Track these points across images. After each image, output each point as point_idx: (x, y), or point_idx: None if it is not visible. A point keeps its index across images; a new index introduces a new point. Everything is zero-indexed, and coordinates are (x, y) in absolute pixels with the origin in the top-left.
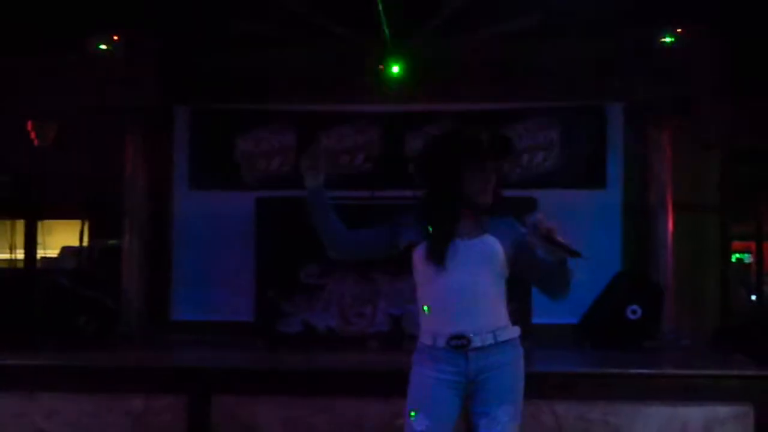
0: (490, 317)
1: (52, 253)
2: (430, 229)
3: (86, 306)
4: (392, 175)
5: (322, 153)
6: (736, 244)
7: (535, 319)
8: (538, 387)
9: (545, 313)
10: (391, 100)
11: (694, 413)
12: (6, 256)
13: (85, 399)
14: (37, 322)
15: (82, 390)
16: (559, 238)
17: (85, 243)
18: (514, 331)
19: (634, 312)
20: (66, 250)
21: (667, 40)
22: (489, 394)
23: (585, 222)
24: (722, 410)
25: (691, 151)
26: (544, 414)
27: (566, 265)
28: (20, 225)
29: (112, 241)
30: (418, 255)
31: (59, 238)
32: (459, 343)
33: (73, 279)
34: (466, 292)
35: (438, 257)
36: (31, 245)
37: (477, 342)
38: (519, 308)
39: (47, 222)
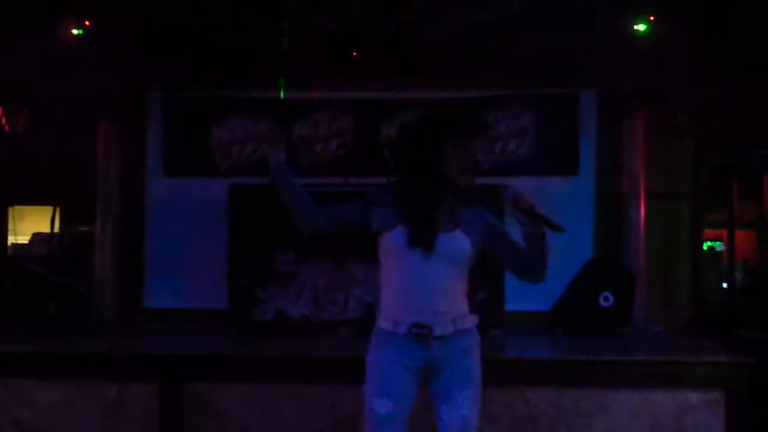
0: (452, 307)
1: (23, 239)
2: (412, 215)
3: (58, 293)
4: (366, 161)
5: (280, 134)
6: (707, 232)
7: (508, 307)
8: (511, 374)
9: (517, 300)
10: (365, 88)
11: (666, 400)
12: None
13: (58, 386)
14: (8, 309)
15: (55, 377)
16: (539, 211)
17: (57, 229)
18: (473, 320)
19: (606, 299)
20: (37, 237)
21: (641, 28)
22: (450, 379)
23: (557, 209)
24: (693, 397)
25: (664, 139)
26: (516, 400)
27: (545, 241)
28: None
29: (83, 228)
30: (391, 239)
31: (30, 224)
32: (421, 332)
33: (45, 266)
34: (433, 283)
35: (426, 244)
36: (1, 231)
37: (438, 331)
38: (491, 296)
39: (18, 208)
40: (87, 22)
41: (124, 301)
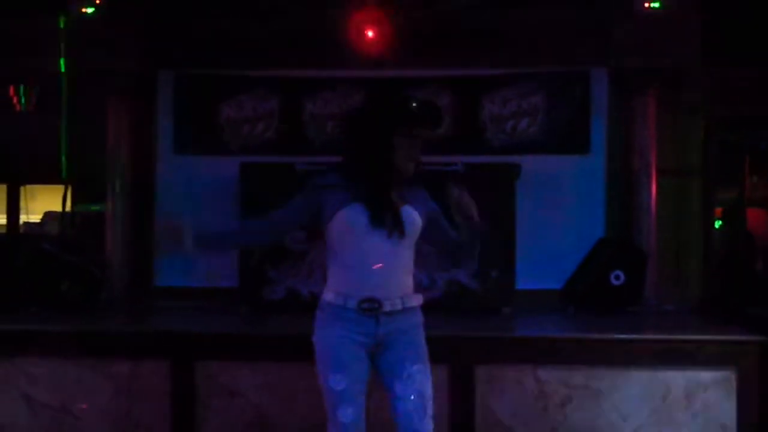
0: (401, 284)
1: (35, 218)
2: (368, 196)
3: (69, 271)
4: None
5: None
6: (719, 210)
7: (519, 285)
8: (522, 352)
9: (529, 278)
10: (375, 66)
11: (677, 378)
12: None
13: (69, 364)
14: (20, 288)
15: (67, 355)
16: (475, 216)
17: (68, 208)
18: (418, 299)
19: (617, 277)
20: (49, 216)
21: (654, 5)
22: (400, 354)
23: (568, 188)
24: (704, 375)
25: (675, 117)
26: (526, 379)
27: (478, 239)
28: (2, 190)
29: (95, 207)
30: (345, 217)
31: (42, 203)
32: (370, 307)
33: (56, 244)
34: (384, 260)
35: (388, 225)
36: (13, 210)
37: (387, 307)
38: (502, 275)
39: (30, 187)
40: (97, 1)
41: (135, 280)
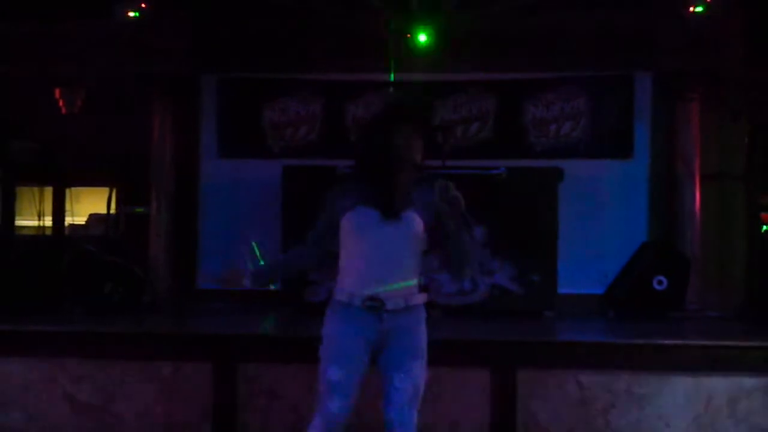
0: (405, 284)
1: (80, 220)
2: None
3: (113, 273)
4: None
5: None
6: (765, 215)
7: (561, 290)
8: (563, 357)
9: (571, 283)
10: (419, 70)
11: (720, 384)
12: (34, 223)
13: (112, 365)
14: (65, 289)
15: (110, 356)
16: (462, 209)
17: (113, 210)
18: (422, 298)
19: (660, 282)
20: (93, 218)
21: (698, 9)
22: (402, 350)
23: (612, 192)
24: (748, 381)
25: (719, 121)
26: (568, 384)
27: (466, 241)
28: (48, 192)
29: (139, 209)
30: (351, 218)
31: (87, 205)
32: (374, 305)
33: (101, 246)
34: (388, 260)
35: (389, 217)
36: (59, 212)
37: (390, 305)
38: (544, 279)
39: (75, 189)
40: (143, 5)
41: (178, 282)
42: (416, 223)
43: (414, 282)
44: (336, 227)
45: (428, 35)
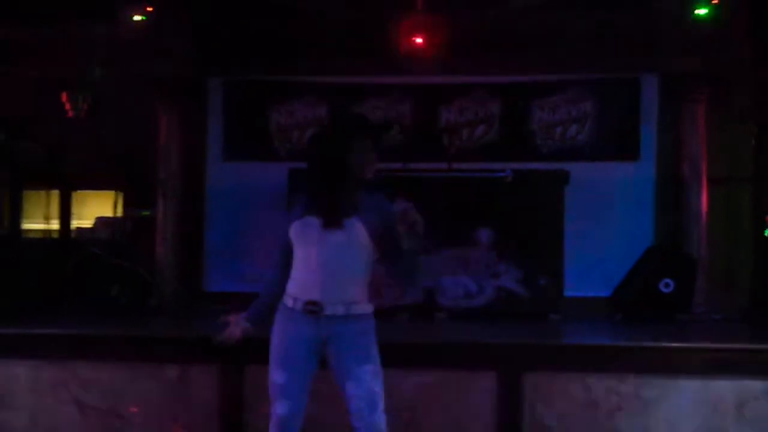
0: (345, 291)
1: (86, 223)
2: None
3: (119, 276)
4: (425, 147)
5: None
6: None
7: (568, 293)
8: (570, 359)
9: (577, 286)
10: (424, 72)
11: (727, 388)
12: (41, 226)
13: (119, 368)
14: (71, 292)
15: (117, 359)
16: (419, 231)
17: (119, 213)
18: (368, 308)
19: (666, 285)
20: (100, 221)
21: (704, 11)
22: (347, 356)
23: (618, 195)
24: (756, 385)
25: (725, 123)
26: (575, 387)
27: (417, 256)
28: (55, 195)
29: (145, 212)
30: (294, 227)
31: (93, 208)
32: (312, 309)
33: (107, 249)
34: (328, 266)
35: (335, 222)
36: (65, 215)
37: (328, 310)
38: (550, 282)
39: (81, 192)
40: (149, 8)
41: (184, 285)
42: (360, 231)
43: (357, 290)
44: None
45: (434, 38)
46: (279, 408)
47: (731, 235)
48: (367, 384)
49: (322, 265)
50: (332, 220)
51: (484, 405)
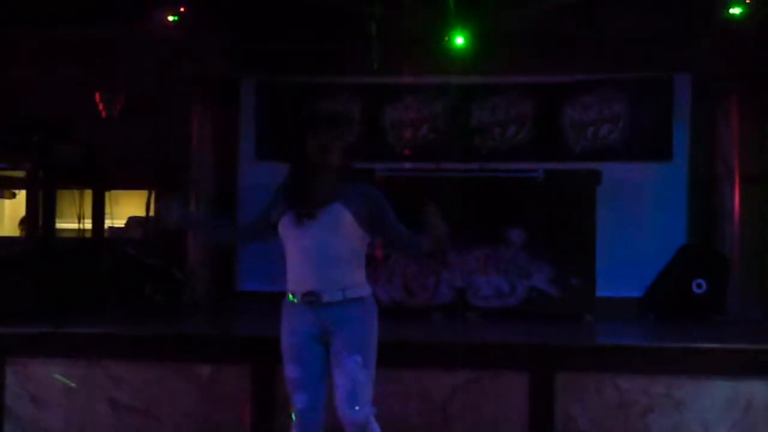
0: (340, 276)
1: (119, 222)
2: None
3: (152, 275)
4: (457, 146)
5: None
6: None
7: (600, 293)
8: (602, 360)
9: (610, 286)
10: (456, 72)
11: (760, 389)
12: (74, 225)
13: (152, 367)
14: (105, 291)
15: (150, 358)
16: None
17: (152, 213)
18: (365, 290)
19: (699, 286)
20: (133, 220)
21: (737, 11)
22: (340, 344)
23: (650, 194)
24: None
25: (759, 122)
26: (607, 387)
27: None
28: (88, 195)
29: None
30: (281, 222)
31: (126, 207)
32: (310, 299)
33: (140, 249)
34: (317, 254)
35: (297, 220)
36: (98, 215)
37: (326, 298)
38: (582, 282)
39: (114, 192)
40: (182, 9)
41: (216, 284)
42: (342, 216)
43: (351, 274)
44: (267, 225)
45: (465, 38)
46: (297, 401)
47: (765, 235)
48: (353, 374)
49: (312, 256)
50: (304, 211)
51: (516, 405)
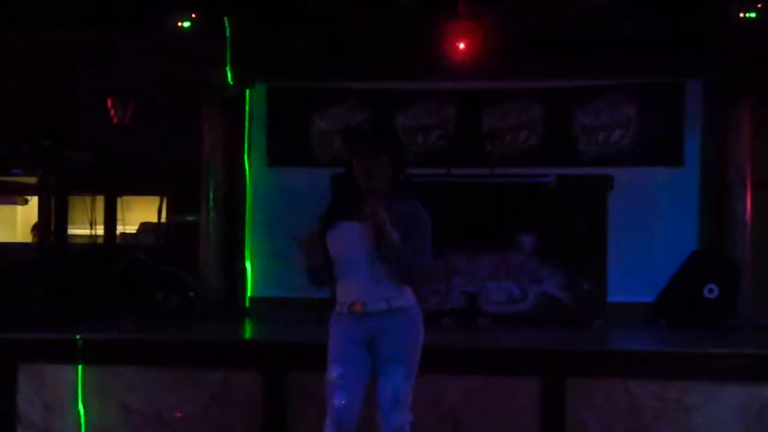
0: (384, 287)
1: (131, 228)
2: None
3: (164, 281)
4: (468, 152)
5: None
6: None
7: (611, 298)
8: (613, 365)
9: (621, 291)
10: (467, 78)
11: None
12: (86, 231)
13: (164, 373)
14: (117, 297)
15: (162, 364)
16: (387, 228)
17: (164, 219)
18: (408, 300)
19: (710, 291)
20: (144, 226)
21: (750, 15)
22: (385, 353)
23: (662, 200)
24: None
25: None
26: (618, 393)
27: (396, 252)
28: (100, 201)
29: (189, 217)
30: (329, 234)
31: (138, 214)
32: (356, 309)
33: (152, 255)
34: (362, 266)
35: (344, 232)
36: (110, 221)
37: (371, 308)
38: (593, 287)
39: (126, 198)
40: (194, 15)
41: (228, 290)
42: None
43: (396, 284)
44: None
45: (476, 44)
46: (335, 400)
47: None
48: (395, 385)
49: (357, 267)
50: (350, 223)
51: (528, 410)
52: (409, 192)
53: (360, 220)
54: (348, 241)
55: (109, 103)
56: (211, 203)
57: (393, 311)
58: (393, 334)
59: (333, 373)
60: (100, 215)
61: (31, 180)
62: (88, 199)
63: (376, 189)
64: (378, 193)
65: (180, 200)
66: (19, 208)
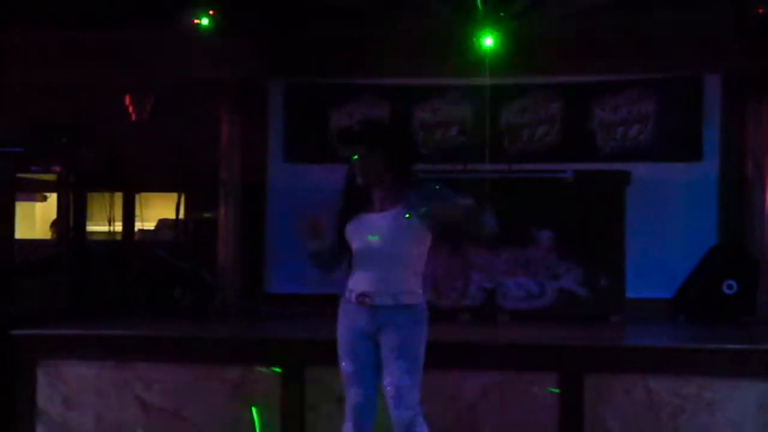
0: (394, 281)
1: (149, 225)
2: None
3: (182, 278)
4: (486, 148)
5: (324, 224)
6: None
7: (629, 294)
8: (632, 361)
9: (639, 287)
10: (486, 74)
11: None
12: (104, 228)
13: (182, 369)
14: (135, 294)
15: (180, 360)
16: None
17: (182, 215)
18: (417, 298)
19: (729, 287)
20: (162, 223)
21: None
22: (389, 349)
23: (680, 195)
24: None
25: None
26: (636, 389)
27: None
28: (118, 198)
29: (207, 214)
30: (348, 226)
31: (156, 210)
32: (363, 300)
33: (170, 251)
34: (374, 257)
35: (359, 224)
36: (128, 218)
37: (378, 301)
38: (611, 283)
39: (144, 195)
40: (211, 12)
41: (246, 287)
42: (401, 220)
43: (406, 280)
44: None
45: (494, 39)
46: (352, 395)
47: None
48: (398, 378)
49: (369, 258)
50: (365, 215)
51: (546, 406)
52: (419, 181)
53: (379, 211)
54: (366, 233)
55: (127, 100)
56: (229, 199)
57: (398, 308)
58: (395, 329)
59: (346, 367)
60: (118, 212)
61: (50, 177)
62: (106, 195)
63: (373, 187)
64: (381, 190)
65: (198, 197)
66: (38, 204)
